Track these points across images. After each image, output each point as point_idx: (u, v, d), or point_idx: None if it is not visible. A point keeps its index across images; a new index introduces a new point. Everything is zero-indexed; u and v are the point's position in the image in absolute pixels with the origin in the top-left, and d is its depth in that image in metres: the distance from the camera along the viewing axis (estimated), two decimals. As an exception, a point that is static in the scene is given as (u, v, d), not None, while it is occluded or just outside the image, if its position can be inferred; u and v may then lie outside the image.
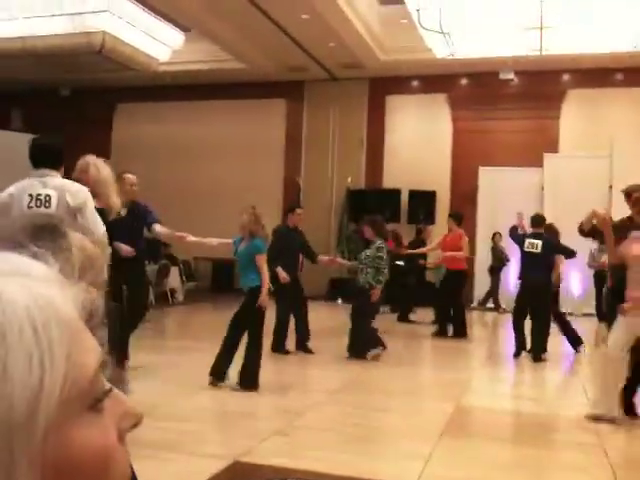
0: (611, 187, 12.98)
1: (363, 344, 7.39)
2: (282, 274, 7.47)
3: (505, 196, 13.32)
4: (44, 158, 4.05)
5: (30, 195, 3.90)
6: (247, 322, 5.72)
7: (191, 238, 6.08)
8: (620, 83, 13.51)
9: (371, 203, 13.53)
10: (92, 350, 0.47)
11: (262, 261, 5.71)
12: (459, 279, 9.62)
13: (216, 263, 15.33)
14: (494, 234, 12.85)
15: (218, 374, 5.73)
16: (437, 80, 14.32)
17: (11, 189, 3.99)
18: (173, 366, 6.76)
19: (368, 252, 7.50)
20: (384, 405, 5.53)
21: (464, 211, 10.92)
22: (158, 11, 11.68)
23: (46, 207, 3.89)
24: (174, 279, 13.27)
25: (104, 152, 17.99)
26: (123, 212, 5.15)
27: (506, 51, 12.35)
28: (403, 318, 11.12)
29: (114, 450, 0.47)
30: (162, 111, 15.85)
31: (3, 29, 11.49)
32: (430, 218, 13.63)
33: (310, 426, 4.80)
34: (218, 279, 15.35)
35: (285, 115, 15.58)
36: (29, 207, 3.88)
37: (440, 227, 12.76)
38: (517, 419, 5.34)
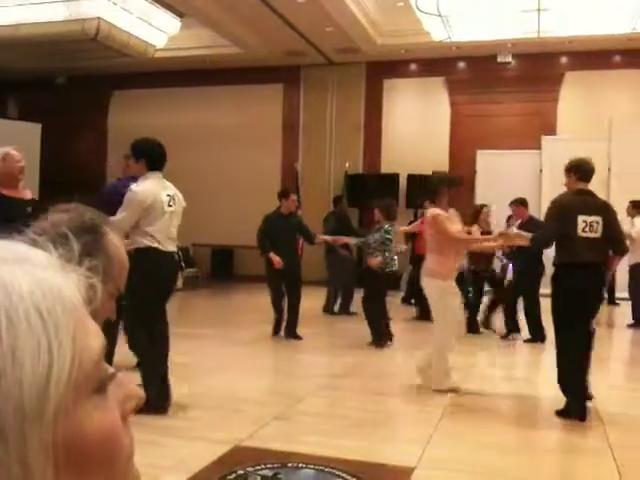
0: (610, 170, 12.99)
1: (377, 332, 7.34)
2: (275, 259, 7.46)
3: (503, 179, 13.29)
4: (163, 162, 4.61)
5: (168, 195, 4.52)
6: None
7: None
8: (618, 65, 13.45)
9: (369, 188, 13.49)
10: (95, 334, 0.48)
11: None
12: None
13: (215, 249, 15.33)
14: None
15: None
16: (434, 63, 14.25)
17: (150, 190, 4.42)
18: (172, 352, 6.75)
19: (377, 235, 7.40)
20: (384, 390, 5.55)
21: (461, 195, 10.68)
22: (153, -4, 11.60)
23: (171, 205, 4.52)
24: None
25: (101, 139, 17.84)
26: None
27: (504, 34, 12.30)
28: None
29: (120, 431, 0.48)
30: (158, 98, 15.77)
31: (-4, 17, 11.41)
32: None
33: (310, 411, 4.82)
34: (217, 266, 15.35)
35: (282, 100, 15.50)
36: (169, 205, 4.50)
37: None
38: (516, 402, 5.36)
